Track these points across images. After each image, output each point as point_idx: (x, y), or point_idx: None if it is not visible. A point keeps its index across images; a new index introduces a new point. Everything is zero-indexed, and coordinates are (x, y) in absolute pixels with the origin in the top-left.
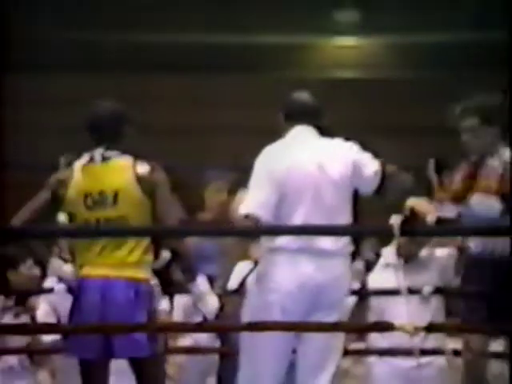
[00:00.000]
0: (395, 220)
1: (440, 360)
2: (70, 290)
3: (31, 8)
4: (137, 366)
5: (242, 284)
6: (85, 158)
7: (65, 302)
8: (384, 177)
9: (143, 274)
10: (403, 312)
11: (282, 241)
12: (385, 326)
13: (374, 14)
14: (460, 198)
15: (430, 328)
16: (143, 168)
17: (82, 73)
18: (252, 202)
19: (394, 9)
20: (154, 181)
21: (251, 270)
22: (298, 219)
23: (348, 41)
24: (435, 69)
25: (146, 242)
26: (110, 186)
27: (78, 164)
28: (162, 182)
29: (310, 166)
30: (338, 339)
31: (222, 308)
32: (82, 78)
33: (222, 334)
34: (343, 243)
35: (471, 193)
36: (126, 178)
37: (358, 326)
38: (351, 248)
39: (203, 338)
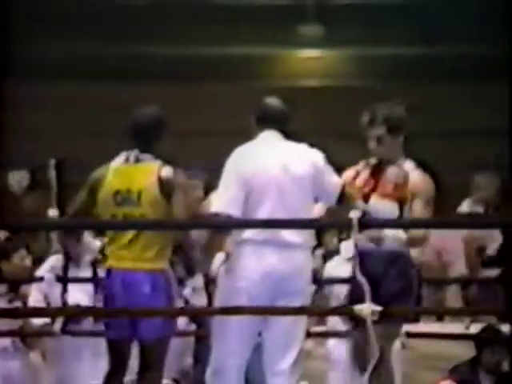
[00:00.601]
0: (354, 214)
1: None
2: (58, 279)
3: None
4: (146, 346)
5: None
6: (121, 158)
7: (54, 290)
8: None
9: (162, 265)
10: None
11: (249, 234)
12: (344, 311)
13: (335, 27)
14: (365, 197)
15: (385, 313)
16: (166, 172)
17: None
18: (222, 201)
19: (354, 23)
20: (172, 185)
21: (223, 261)
22: (262, 215)
23: (312, 53)
24: (390, 78)
25: (165, 237)
26: (136, 185)
27: (114, 164)
28: (179, 187)
29: (274, 167)
30: (301, 324)
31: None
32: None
33: (197, 319)
34: (305, 237)
35: (371, 194)
36: (149, 180)
37: (319, 310)
38: (313, 241)
39: (181, 322)
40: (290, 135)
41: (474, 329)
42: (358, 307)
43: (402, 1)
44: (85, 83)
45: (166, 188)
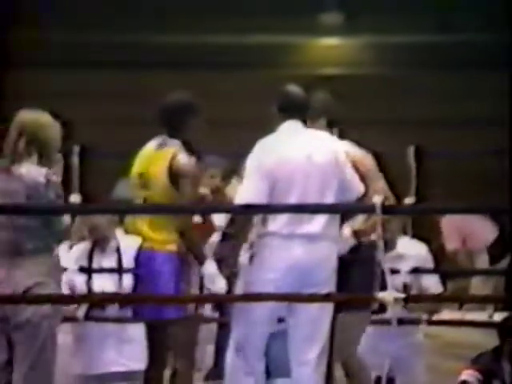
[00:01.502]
0: (378, 199)
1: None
2: (82, 269)
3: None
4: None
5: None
6: (152, 143)
7: (79, 278)
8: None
9: (181, 248)
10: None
11: (274, 227)
12: (367, 297)
13: (356, 16)
14: None
15: (407, 299)
16: (177, 159)
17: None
18: (246, 194)
19: (375, 12)
20: (179, 173)
21: (247, 252)
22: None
23: (332, 40)
24: (410, 67)
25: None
26: (152, 170)
27: (145, 147)
28: (187, 175)
29: (298, 157)
30: (327, 313)
31: (229, 288)
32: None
33: (220, 307)
34: (330, 228)
35: None
36: (161, 166)
37: (342, 297)
38: (338, 233)
39: (204, 310)
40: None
41: (498, 317)
42: (381, 294)
43: None
44: (109, 72)
45: (173, 175)
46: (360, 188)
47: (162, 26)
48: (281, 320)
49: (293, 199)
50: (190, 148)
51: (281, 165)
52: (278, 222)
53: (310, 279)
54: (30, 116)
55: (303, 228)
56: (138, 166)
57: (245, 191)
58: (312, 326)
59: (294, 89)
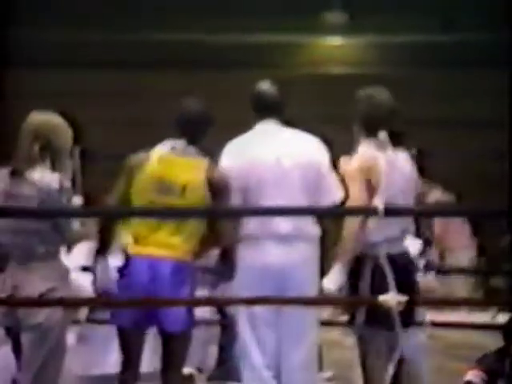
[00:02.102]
0: (378, 201)
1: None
2: (85, 269)
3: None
4: (168, 339)
5: None
6: (165, 146)
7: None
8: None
9: (187, 255)
10: None
11: (248, 229)
12: (370, 300)
13: (361, 16)
14: None
15: (411, 302)
16: (216, 173)
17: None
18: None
19: (379, 11)
20: (217, 186)
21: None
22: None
23: (336, 40)
24: (412, 66)
25: (191, 228)
26: (182, 178)
27: (157, 150)
28: (227, 189)
29: (268, 159)
30: (312, 316)
31: None
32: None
33: (222, 310)
34: (306, 228)
35: None
36: (198, 176)
37: (343, 299)
38: (317, 232)
39: (206, 313)
40: (292, 123)
41: (502, 318)
42: (382, 297)
43: None
44: (111, 72)
45: (213, 187)
46: (337, 194)
47: (161, 24)
48: None
49: (265, 201)
50: (205, 154)
51: (249, 168)
52: (250, 224)
53: (290, 280)
54: (43, 120)
55: (277, 229)
56: (157, 169)
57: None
58: (298, 327)
59: (265, 87)
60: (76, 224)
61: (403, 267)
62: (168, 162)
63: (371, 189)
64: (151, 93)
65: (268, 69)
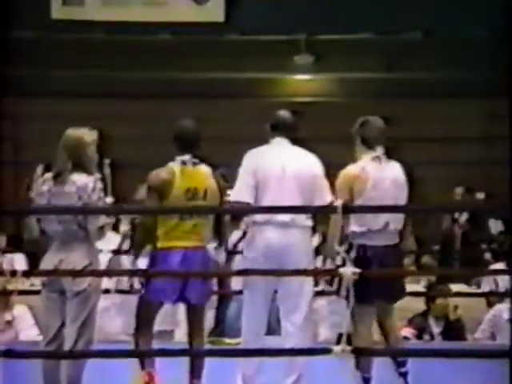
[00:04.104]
0: (339, 201)
1: None
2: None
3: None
4: (193, 309)
5: (235, 246)
6: (177, 162)
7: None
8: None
9: (208, 244)
10: None
11: (256, 217)
12: (330, 271)
13: (322, 57)
14: None
15: (366, 274)
16: (218, 176)
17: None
18: (239, 191)
19: (337, 54)
20: (222, 187)
21: (240, 238)
22: (266, 202)
23: (304, 76)
24: (364, 96)
25: (211, 224)
26: (202, 184)
27: (175, 167)
28: (225, 189)
29: (274, 165)
30: (307, 285)
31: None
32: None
33: (219, 281)
34: (299, 218)
35: None
36: (211, 181)
37: (320, 271)
38: (308, 222)
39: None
40: (297, 142)
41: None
42: (342, 269)
43: (373, 36)
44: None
45: (219, 188)
46: (327, 198)
47: (172, 65)
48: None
49: (268, 198)
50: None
51: (259, 170)
52: (258, 215)
53: (286, 257)
54: (75, 138)
55: (277, 217)
56: (183, 182)
57: (239, 190)
58: (296, 296)
59: (284, 113)
60: (103, 220)
61: (384, 255)
62: (188, 174)
63: (353, 194)
64: (160, 117)
65: (250, 98)
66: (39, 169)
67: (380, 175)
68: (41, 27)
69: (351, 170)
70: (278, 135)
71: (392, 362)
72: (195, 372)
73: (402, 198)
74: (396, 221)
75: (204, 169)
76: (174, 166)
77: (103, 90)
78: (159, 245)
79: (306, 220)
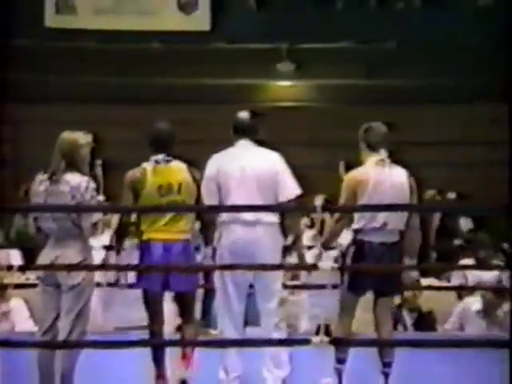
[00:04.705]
0: (318, 201)
1: None
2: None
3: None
4: (180, 297)
5: None
6: (151, 162)
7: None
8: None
9: (189, 236)
10: None
11: (223, 217)
12: (311, 266)
13: (303, 65)
14: None
15: (342, 268)
16: (193, 171)
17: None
18: (205, 193)
19: (316, 62)
20: (198, 181)
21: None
22: (230, 203)
23: (286, 83)
24: (342, 102)
25: (191, 216)
26: (175, 179)
27: (148, 166)
28: (198, 183)
29: (234, 168)
30: (278, 279)
31: None
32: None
33: (205, 275)
34: (263, 216)
35: None
36: (185, 176)
37: (292, 266)
38: (272, 219)
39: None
40: (263, 143)
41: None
42: (321, 264)
43: (352, 45)
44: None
45: (195, 182)
46: (290, 193)
47: (162, 72)
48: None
49: (231, 199)
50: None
51: (220, 174)
52: (224, 213)
53: (252, 252)
54: (69, 140)
55: (242, 216)
56: (155, 179)
57: (203, 191)
58: (269, 288)
59: (242, 115)
60: (96, 217)
61: (380, 252)
62: (160, 172)
63: (356, 197)
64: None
65: (238, 103)
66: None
67: (381, 178)
68: (36, 35)
69: (355, 174)
70: (239, 137)
71: (379, 359)
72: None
73: (400, 201)
74: (396, 221)
75: (178, 165)
76: (147, 165)
77: (96, 96)
78: (143, 237)
79: (271, 217)
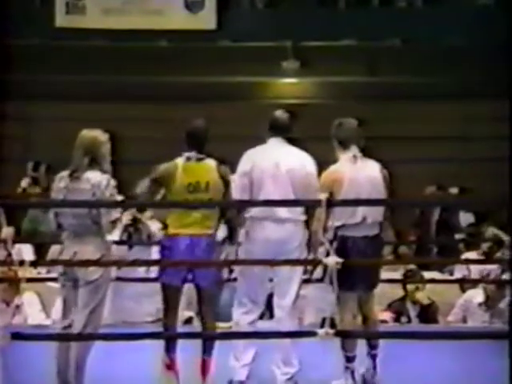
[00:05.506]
0: (323, 196)
1: None
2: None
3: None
4: (202, 293)
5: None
6: (183, 158)
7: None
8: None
9: (214, 232)
10: None
11: (254, 212)
12: (315, 261)
13: (308, 63)
14: None
15: (348, 262)
16: (222, 169)
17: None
18: (236, 188)
19: (321, 60)
20: (227, 179)
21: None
22: (262, 198)
23: (291, 80)
24: (346, 98)
25: (217, 214)
26: (204, 178)
27: (179, 162)
28: (230, 181)
29: (269, 164)
30: (296, 274)
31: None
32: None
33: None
34: (294, 213)
35: None
36: (213, 174)
37: (303, 261)
38: (302, 217)
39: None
40: (294, 141)
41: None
42: (325, 259)
43: (355, 43)
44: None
45: (224, 181)
46: (316, 194)
47: (170, 70)
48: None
49: (264, 194)
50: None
51: (254, 169)
52: (256, 209)
53: (281, 249)
54: (90, 137)
55: (274, 212)
56: (184, 176)
57: (236, 187)
58: (287, 283)
59: (278, 114)
60: (115, 215)
61: (362, 245)
62: (191, 169)
63: (332, 195)
64: (159, 119)
65: (246, 100)
66: (29, 165)
67: (355, 174)
68: (47, 35)
69: (330, 173)
70: (273, 135)
71: (366, 344)
72: (206, 350)
73: (377, 194)
74: (374, 214)
75: (208, 163)
76: (179, 161)
77: (106, 94)
78: (169, 232)
79: (300, 215)
